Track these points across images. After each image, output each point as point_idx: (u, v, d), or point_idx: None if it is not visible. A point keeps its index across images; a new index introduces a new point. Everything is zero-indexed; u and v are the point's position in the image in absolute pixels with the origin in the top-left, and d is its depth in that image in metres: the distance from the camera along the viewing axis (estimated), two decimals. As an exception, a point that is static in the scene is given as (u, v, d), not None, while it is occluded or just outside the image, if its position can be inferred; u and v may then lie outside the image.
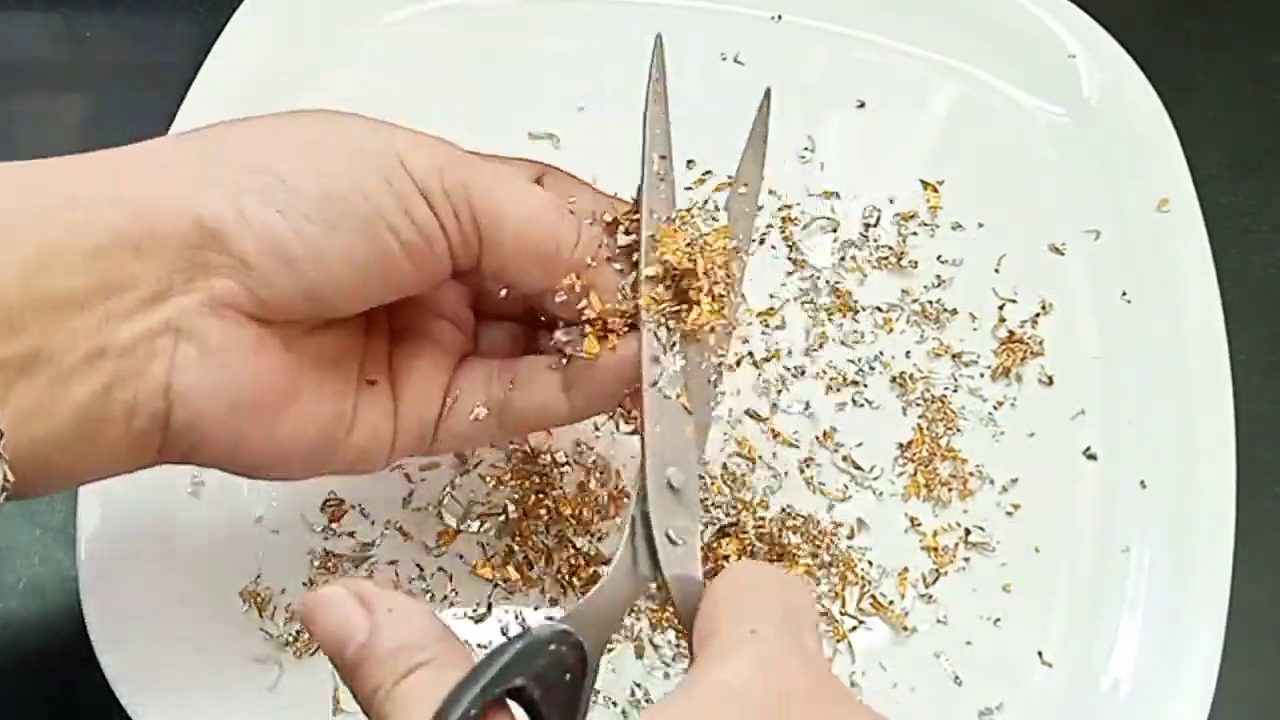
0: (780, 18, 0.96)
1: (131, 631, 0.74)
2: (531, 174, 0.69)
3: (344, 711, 0.74)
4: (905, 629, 0.78)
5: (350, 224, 0.59)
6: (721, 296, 0.68)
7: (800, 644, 0.55)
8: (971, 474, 0.82)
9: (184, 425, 0.59)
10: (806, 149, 0.93)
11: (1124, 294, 0.87)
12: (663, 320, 0.67)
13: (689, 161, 0.91)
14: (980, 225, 0.90)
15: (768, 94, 0.77)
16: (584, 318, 0.67)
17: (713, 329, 0.67)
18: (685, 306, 0.67)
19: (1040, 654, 0.78)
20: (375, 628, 0.55)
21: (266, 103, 0.88)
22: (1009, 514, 0.82)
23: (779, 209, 0.90)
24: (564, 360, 0.69)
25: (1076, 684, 0.78)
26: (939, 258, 0.89)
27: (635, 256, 0.68)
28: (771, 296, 0.88)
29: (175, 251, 0.57)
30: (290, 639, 0.76)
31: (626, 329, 0.67)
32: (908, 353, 0.86)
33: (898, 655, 0.78)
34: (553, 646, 0.55)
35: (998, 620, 0.79)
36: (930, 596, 0.79)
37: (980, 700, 0.77)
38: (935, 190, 0.91)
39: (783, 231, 0.89)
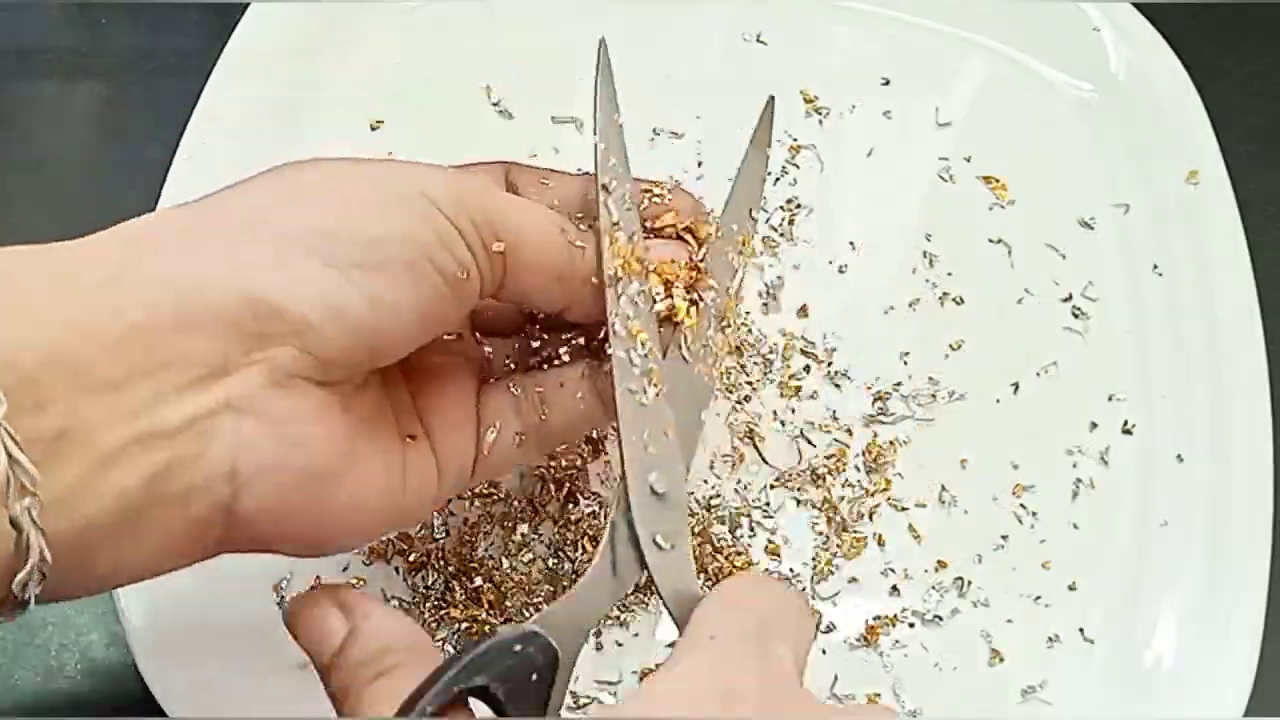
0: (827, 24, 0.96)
1: (173, 644, 0.74)
2: (501, 174, 0.70)
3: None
4: (938, 619, 0.78)
5: (397, 265, 0.59)
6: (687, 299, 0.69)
7: (763, 649, 0.56)
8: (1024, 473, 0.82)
9: (251, 511, 0.57)
10: (831, 125, 0.92)
11: (1155, 267, 0.87)
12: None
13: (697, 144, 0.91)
14: (1012, 202, 0.89)
15: (770, 101, 0.77)
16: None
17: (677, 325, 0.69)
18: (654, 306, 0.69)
19: (1082, 631, 0.78)
20: (352, 632, 0.57)
21: (288, 90, 0.88)
22: (1047, 490, 0.81)
23: (788, 201, 0.89)
24: (594, 366, 0.70)
25: (1119, 660, 0.78)
26: (968, 235, 0.89)
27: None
28: (795, 268, 0.87)
29: (226, 326, 0.55)
30: None
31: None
32: (950, 347, 0.86)
33: (939, 635, 0.78)
34: (518, 648, 0.56)
35: (1038, 598, 0.79)
36: (968, 580, 0.79)
37: (1023, 678, 0.77)
38: (997, 185, 0.90)
39: (792, 217, 0.89)
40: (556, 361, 0.71)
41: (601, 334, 0.68)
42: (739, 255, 0.72)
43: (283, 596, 0.76)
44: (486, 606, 0.76)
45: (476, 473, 0.69)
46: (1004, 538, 0.80)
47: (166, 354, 0.53)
